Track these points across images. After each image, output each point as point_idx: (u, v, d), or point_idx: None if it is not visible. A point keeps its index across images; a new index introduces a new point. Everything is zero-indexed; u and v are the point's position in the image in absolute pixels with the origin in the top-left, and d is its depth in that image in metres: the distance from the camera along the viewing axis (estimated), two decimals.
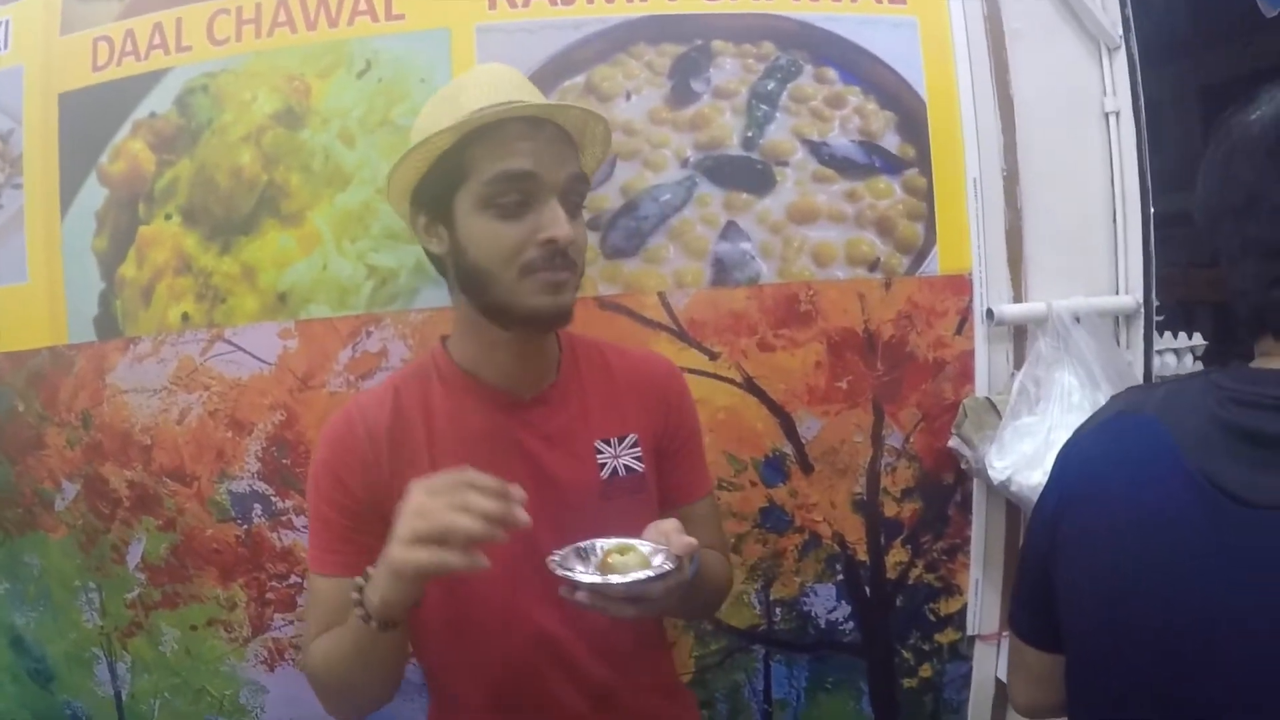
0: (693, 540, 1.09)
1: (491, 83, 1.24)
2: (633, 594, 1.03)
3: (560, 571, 1.06)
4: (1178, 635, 0.83)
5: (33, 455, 1.85)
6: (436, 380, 1.30)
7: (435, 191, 1.23)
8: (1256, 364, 0.91)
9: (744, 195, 1.73)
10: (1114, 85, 1.82)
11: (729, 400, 1.72)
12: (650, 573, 1.03)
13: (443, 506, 0.98)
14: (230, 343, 1.75)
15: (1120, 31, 1.85)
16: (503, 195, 1.17)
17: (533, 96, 1.27)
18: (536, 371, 1.30)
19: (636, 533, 1.14)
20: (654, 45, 1.73)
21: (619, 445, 1.30)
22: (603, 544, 1.12)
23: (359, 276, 1.72)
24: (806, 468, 1.75)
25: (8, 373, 1.86)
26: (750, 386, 1.73)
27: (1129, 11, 1.83)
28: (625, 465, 1.29)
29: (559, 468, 1.26)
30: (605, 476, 1.28)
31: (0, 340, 1.87)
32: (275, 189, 1.74)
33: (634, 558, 1.07)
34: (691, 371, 1.70)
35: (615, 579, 1.03)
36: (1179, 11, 1.96)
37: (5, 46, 1.90)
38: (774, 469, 1.74)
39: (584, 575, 1.05)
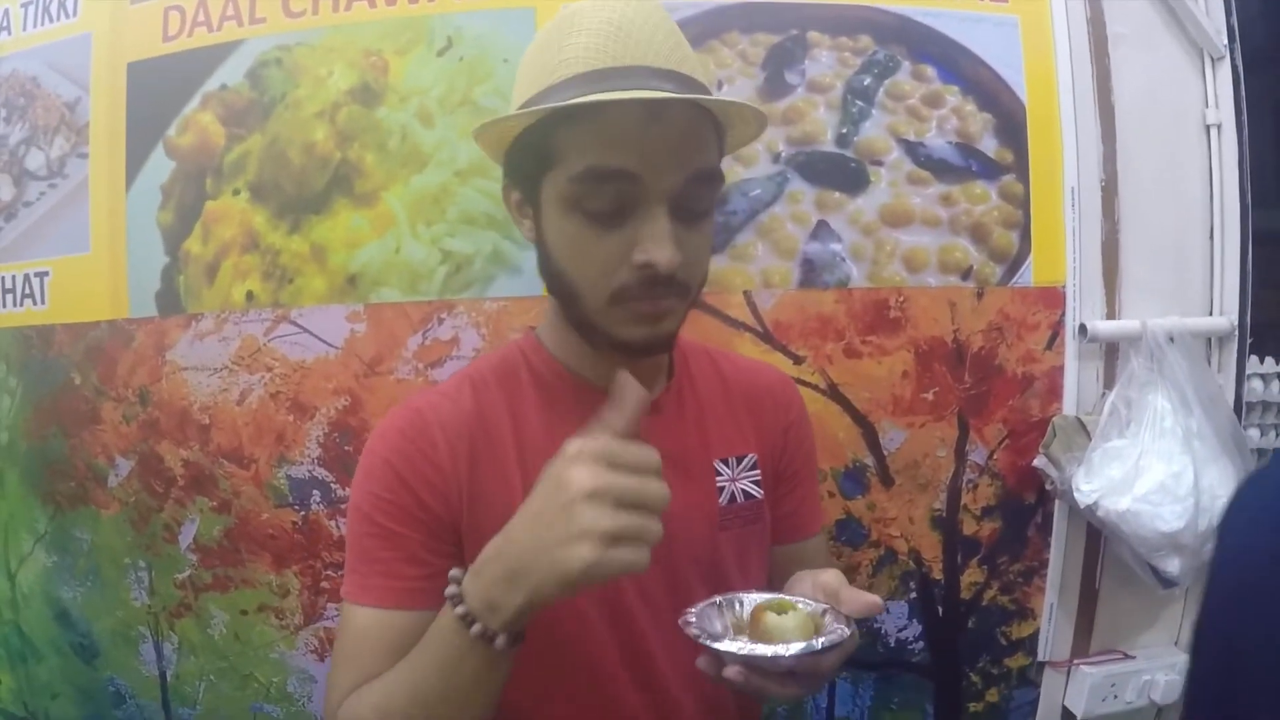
0: (875, 599, 0.86)
1: (619, 26, 0.91)
2: (802, 668, 0.81)
3: (707, 641, 0.82)
4: None
5: (88, 429, 1.81)
6: (528, 378, 1.07)
7: (524, 168, 0.98)
8: None
9: (836, 194, 1.66)
10: (1216, 96, 1.75)
11: (811, 407, 1.63)
12: (824, 641, 0.81)
13: (639, 489, 0.76)
14: (296, 324, 1.70)
15: (1224, 41, 1.77)
16: (591, 198, 0.90)
17: (668, 56, 0.93)
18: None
19: (749, 569, 1.04)
20: (748, 34, 1.67)
21: (737, 467, 1.10)
22: (748, 599, 0.91)
23: (433, 261, 1.67)
24: (887, 480, 1.69)
25: (66, 344, 1.82)
26: (834, 394, 1.67)
27: (1234, 20, 1.76)
28: (744, 490, 1.09)
29: (671, 489, 0.98)
30: (724, 502, 1.08)
31: (59, 311, 1.83)
32: (349, 167, 1.69)
33: (794, 619, 0.84)
34: None
35: (783, 649, 0.80)
36: (1271, 18, 1.89)
37: (74, 13, 1.85)
38: (853, 480, 1.68)
39: (736, 645, 0.82)
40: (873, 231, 1.67)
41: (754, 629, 0.85)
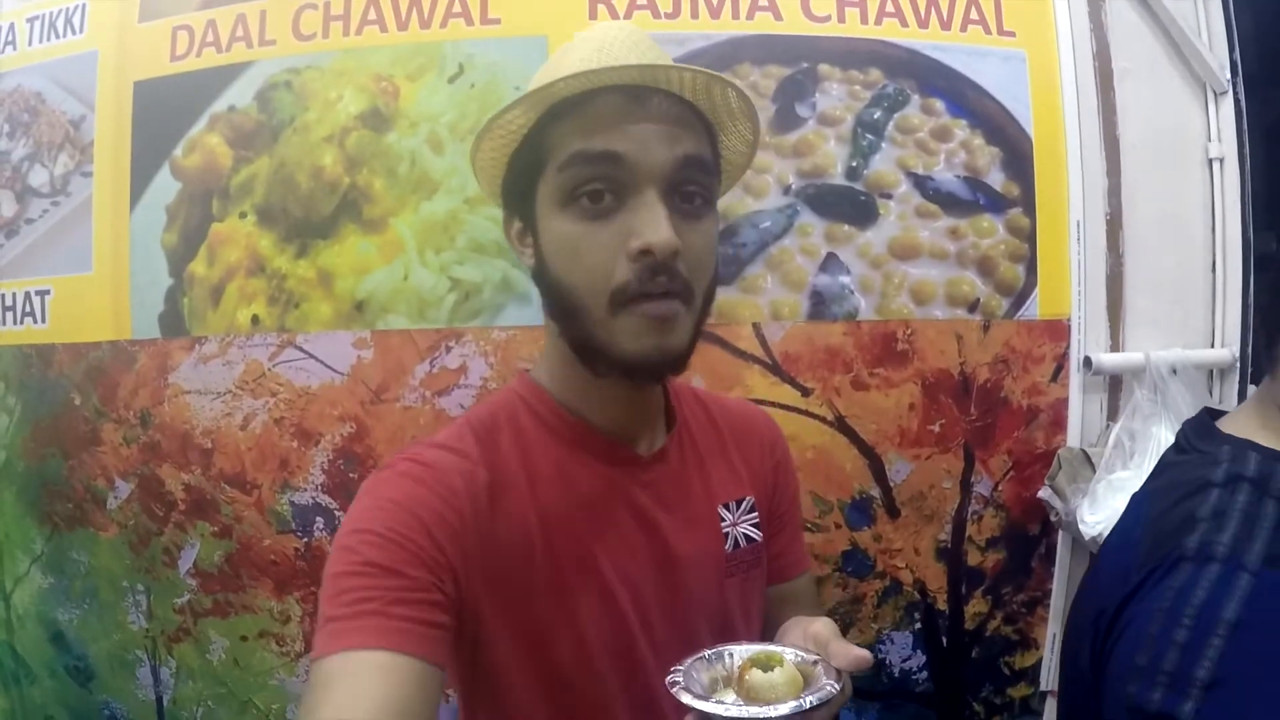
0: (865, 654, 0.81)
1: (600, 43, 0.92)
2: None
3: (691, 701, 0.77)
4: None
5: (87, 451, 1.80)
6: (532, 425, 0.99)
7: (519, 184, 0.94)
8: None
9: (846, 227, 1.67)
10: (1219, 130, 1.76)
11: (819, 439, 1.66)
12: (813, 699, 0.77)
13: None
14: (301, 349, 1.69)
15: (1227, 75, 1.79)
16: (581, 184, 0.86)
17: (654, 60, 0.92)
18: (650, 420, 1.02)
19: (752, 614, 1.02)
20: (759, 66, 1.68)
21: (738, 511, 1.06)
22: (737, 651, 0.85)
23: (441, 289, 1.66)
24: (893, 512, 1.70)
25: (66, 364, 1.81)
26: (841, 425, 1.67)
27: (1237, 55, 1.78)
28: (745, 534, 1.06)
29: (680, 539, 0.99)
30: (729, 549, 1.04)
31: (60, 330, 1.82)
32: (357, 192, 1.69)
33: (783, 675, 0.80)
34: (782, 407, 1.65)
35: (771, 711, 0.75)
36: (1263, 43, 1.93)
37: (81, 30, 1.85)
38: (860, 511, 1.69)
39: (723, 706, 0.77)
40: (881, 264, 1.68)
41: (742, 686, 0.80)
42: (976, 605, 1.74)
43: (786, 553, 1.14)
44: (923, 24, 1.71)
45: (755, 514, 1.07)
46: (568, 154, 0.87)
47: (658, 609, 0.96)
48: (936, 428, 1.70)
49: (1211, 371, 1.79)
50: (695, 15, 1.68)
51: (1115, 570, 0.85)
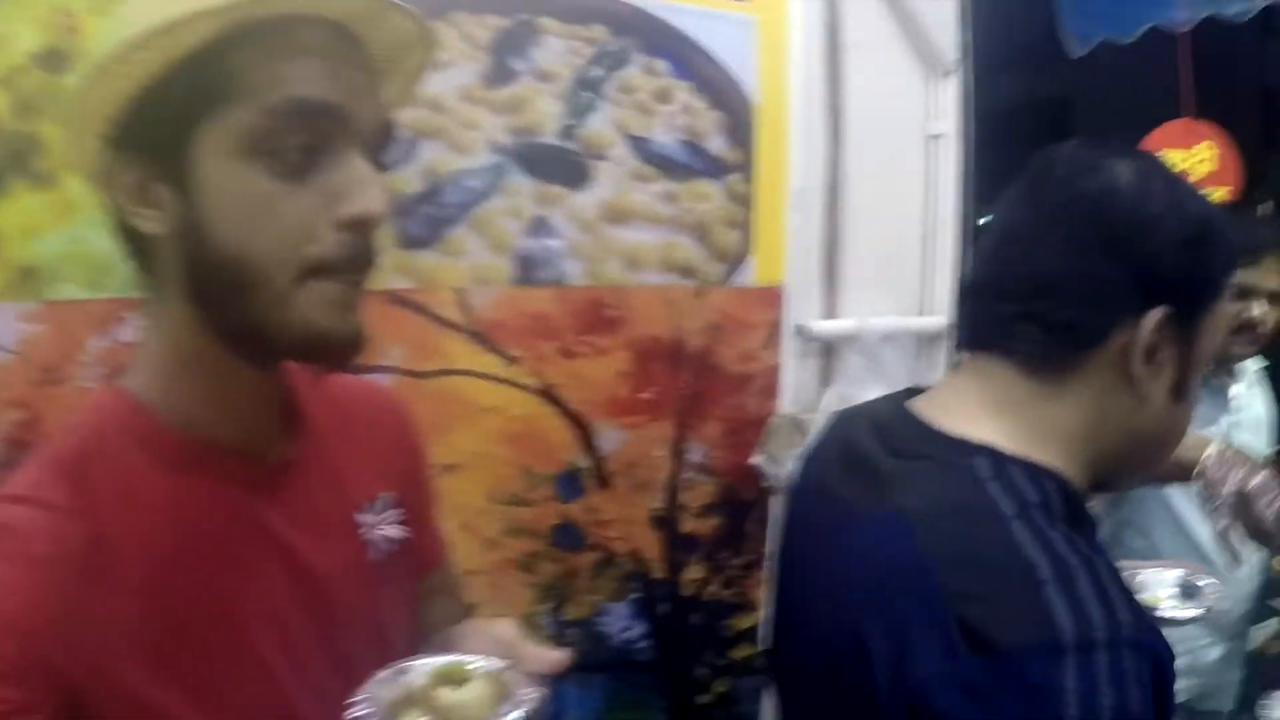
0: (560, 655, 0.77)
1: None
2: None
3: None
4: None
5: None
6: (133, 451, 0.78)
7: (161, 126, 0.73)
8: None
9: (557, 188, 1.62)
10: (941, 108, 1.79)
11: (525, 410, 1.61)
12: (515, 714, 0.70)
13: None
14: None
15: (955, 55, 1.82)
16: (286, 137, 0.71)
17: None
18: (278, 420, 0.85)
19: (412, 619, 0.94)
20: (475, 14, 1.59)
21: (380, 510, 0.93)
22: (419, 666, 0.76)
23: (119, 253, 1.53)
24: (604, 483, 1.67)
25: None
26: (549, 396, 1.63)
27: (969, 36, 1.81)
28: (389, 535, 0.93)
29: (321, 557, 0.85)
30: (375, 555, 0.91)
31: None
32: (28, 143, 1.53)
33: (474, 690, 0.72)
34: (486, 377, 1.59)
35: None
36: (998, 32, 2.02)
37: None
38: (570, 484, 1.65)
39: None
40: (593, 228, 1.64)
41: (431, 706, 0.72)
42: (693, 571, 1.75)
43: (428, 541, 1.03)
44: None
45: (397, 510, 0.95)
46: (277, 97, 0.70)
47: (312, 646, 0.82)
48: (648, 395, 1.68)
49: (921, 338, 1.83)
50: None
51: (894, 605, 0.75)
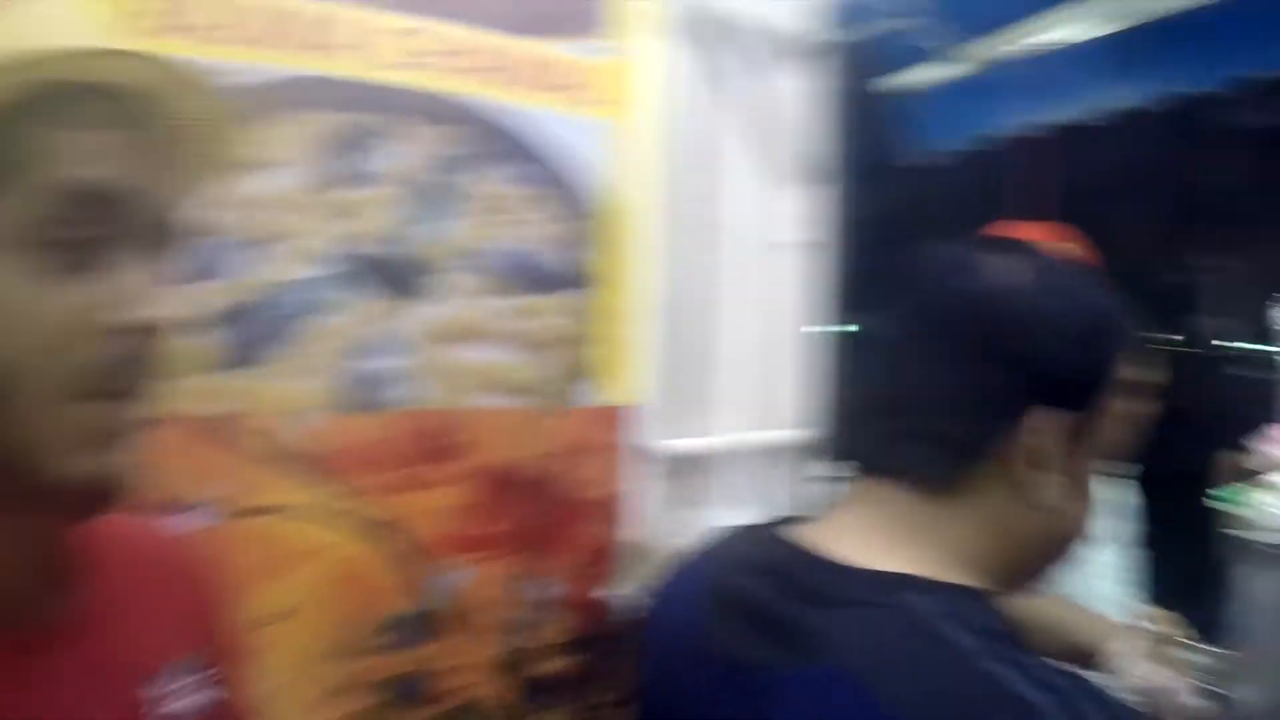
0: None
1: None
2: None
3: None
4: None
5: None
6: None
7: None
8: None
9: (392, 302, 1.48)
10: (792, 215, 1.78)
11: (357, 549, 1.44)
12: None
13: None
14: None
15: (814, 165, 1.83)
16: (55, 228, 0.58)
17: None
18: (46, 574, 0.68)
19: None
20: (308, 110, 1.44)
21: (177, 676, 0.76)
22: None
23: None
24: (449, 626, 1.50)
25: None
26: (382, 533, 1.46)
27: (828, 148, 1.82)
28: (202, 700, 0.77)
29: None
30: None
31: None
32: None
33: None
34: (313, 514, 1.40)
35: None
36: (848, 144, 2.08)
37: None
38: (411, 629, 1.47)
39: None
40: (431, 346, 1.51)
41: None
42: (551, 718, 1.59)
43: (238, 708, 0.85)
44: (506, 82, 1.57)
45: (199, 675, 0.78)
46: (47, 181, 0.58)
47: None
48: (494, 529, 1.54)
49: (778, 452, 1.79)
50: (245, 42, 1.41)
51: None
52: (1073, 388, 0.74)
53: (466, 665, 1.52)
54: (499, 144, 1.57)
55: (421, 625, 1.48)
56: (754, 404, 1.75)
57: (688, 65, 1.72)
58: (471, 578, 1.52)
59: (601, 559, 1.61)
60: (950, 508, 0.74)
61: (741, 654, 0.74)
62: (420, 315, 1.50)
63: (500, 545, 1.54)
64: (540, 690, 1.58)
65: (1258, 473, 1.65)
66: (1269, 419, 1.80)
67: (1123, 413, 0.77)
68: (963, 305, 0.74)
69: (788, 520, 0.83)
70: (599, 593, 1.60)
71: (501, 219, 1.56)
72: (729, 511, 1.57)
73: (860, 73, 2.07)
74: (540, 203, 1.59)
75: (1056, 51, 2.35)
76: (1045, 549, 0.78)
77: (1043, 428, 0.71)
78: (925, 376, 0.74)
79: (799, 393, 1.75)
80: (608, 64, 1.64)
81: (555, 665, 1.59)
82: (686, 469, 1.67)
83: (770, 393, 1.75)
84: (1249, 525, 1.50)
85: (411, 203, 1.50)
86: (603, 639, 1.63)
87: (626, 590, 1.55)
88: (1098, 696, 0.64)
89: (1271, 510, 1.48)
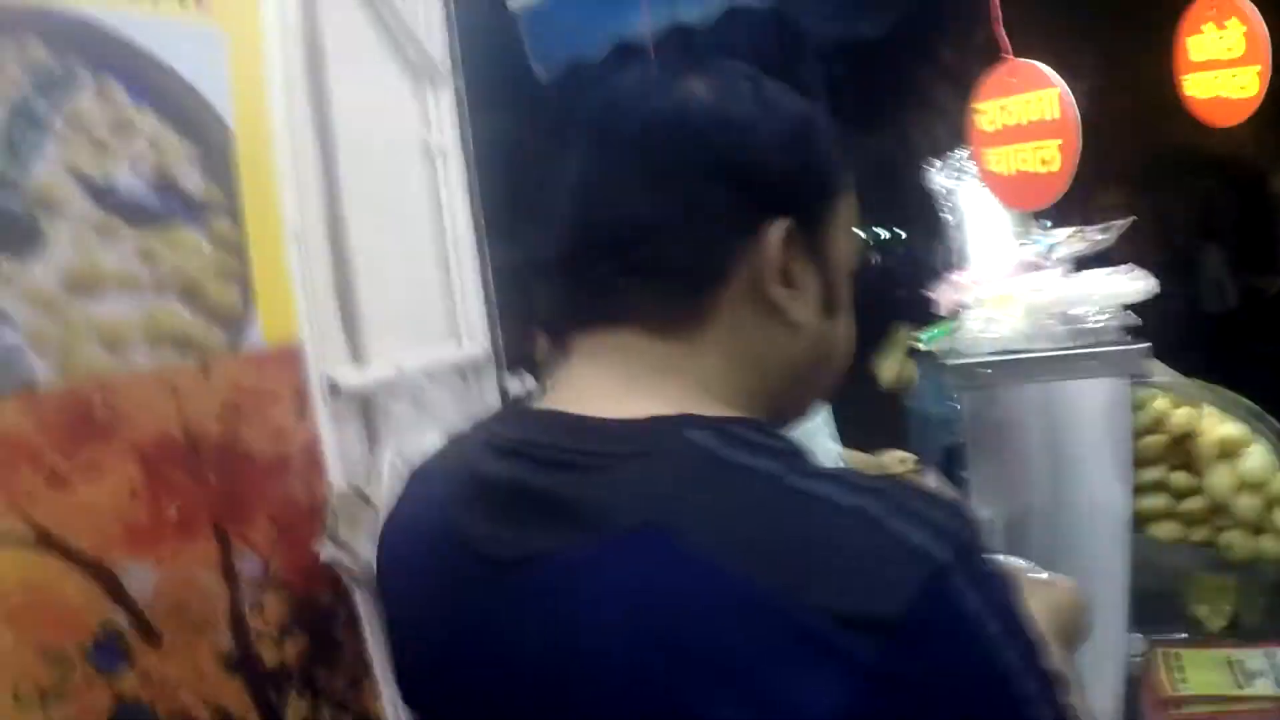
0: None
1: None
2: None
3: None
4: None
5: None
6: None
7: None
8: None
9: (2, 260, 1.15)
10: (440, 121, 1.64)
11: (22, 572, 1.12)
12: None
13: None
14: None
15: (447, 65, 1.68)
16: None
17: None
18: None
19: None
20: None
21: None
22: None
23: None
24: (152, 637, 1.24)
25: None
26: (48, 544, 1.16)
27: (456, 47, 1.68)
28: None
29: None
30: None
31: None
32: None
33: None
34: None
35: None
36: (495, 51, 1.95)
37: None
38: (109, 652, 1.20)
39: None
40: (56, 306, 1.20)
41: None
42: (296, 708, 1.40)
43: None
44: None
45: None
46: None
47: None
48: (173, 512, 1.29)
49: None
50: None
51: (717, 650, 0.55)
52: (797, 192, 0.70)
53: (186, 676, 1.27)
54: (104, 57, 1.25)
55: (123, 644, 1.22)
56: (429, 321, 1.63)
57: None
58: (165, 575, 1.27)
59: (308, 518, 1.43)
60: (696, 343, 0.68)
61: (510, 550, 0.64)
62: (36, 270, 1.18)
63: (188, 530, 1.30)
64: (274, 684, 1.38)
65: (945, 319, 1.85)
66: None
67: (851, 221, 0.78)
68: (670, 124, 0.69)
69: (510, 407, 0.78)
70: (314, 555, 1.42)
71: (116, 144, 1.27)
72: (434, 435, 1.46)
73: None
74: (159, 122, 1.31)
75: None
76: (808, 374, 0.75)
77: (778, 240, 0.67)
78: (639, 207, 0.68)
79: (476, 304, 1.65)
80: None
81: (285, 652, 1.39)
82: (374, 402, 1.52)
83: (446, 307, 1.63)
84: (957, 354, 1.69)
85: (7, 134, 1.15)
86: (330, 609, 1.46)
87: (344, 546, 1.39)
88: (920, 492, 0.60)
89: (973, 337, 1.68)
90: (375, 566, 0.83)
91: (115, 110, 1.27)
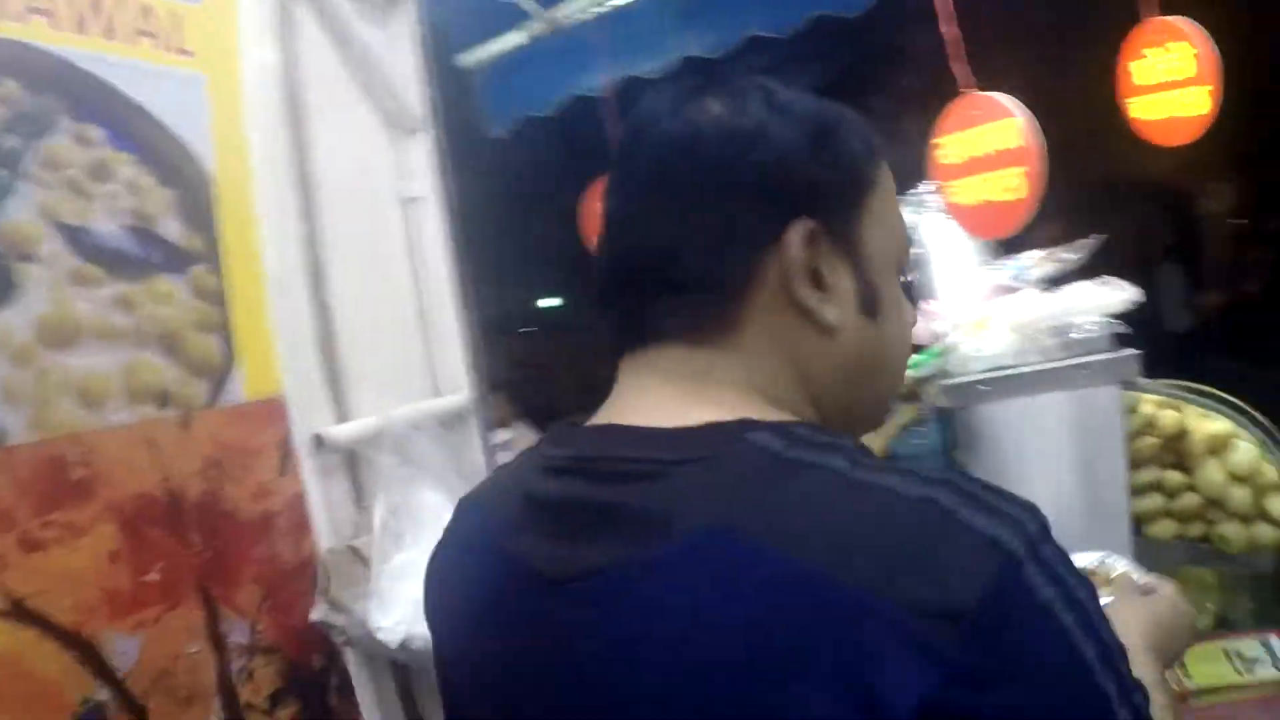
0: None
1: None
2: None
3: None
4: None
5: None
6: None
7: None
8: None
9: None
10: (413, 170, 1.60)
11: None
12: None
13: None
14: None
15: (421, 113, 1.65)
16: None
17: None
18: None
19: None
20: None
21: None
22: None
23: None
24: (136, 710, 1.16)
25: None
26: (21, 614, 1.08)
27: (434, 94, 1.65)
28: None
29: None
30: None
31: None
32: None
33: None
34: None
35: None
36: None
37: None
38: None
39: None
40: (30, 358, 1.14)
41: None
42: None
43: None
44: (80, 28, 1.22)
45: None
46: None
47: None
48: (156, 576, 1.21)
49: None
50: None
51: (802, 648, 0.53)
52: (818, 192, 0.68)
53: None
54: (82, 99, 1.21)
55: (109, 717, 1.13)
56: (411, 371, 1.57)
57: (281, 15, 1.46)
58: (148, 643, 1.18)
59: (295, 577, 1.35)
60: (735, 352, 0.67)
61: (571, 566, 0.62)
62: (9, 318, 1.12)
63: (171, 595, 1.22)
64: None
65: (923, 348, 1.84)
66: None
67: (890, 216, 0.75)
68: (678, 143, 0.68)
69: (560, 428, 0.73)
70: (303, 617, 1.34)
71: (93, 189, 1.21)
72: (427, 491, 1.40)
73: (444, 45, 1.97)
74: (137, 167, 1.26)
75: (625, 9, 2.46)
76: (860, 379, 0.72)
77: (798, 241, 0.66)
78: (662, 227, 0.68)
79: (460, 353, 1.59)
80: (200, 10, 1.35)
81: (277, 718, 1.31)
82: (359, 455, 1.46)
83: (427, 358, 1.58)
84: (949, 375, 1.70)
85: None
86: (322, 673, 1.38)
87: (339, 608, 1.32)
88: (985, 483, 0.59)
89: (963, 357, 1.69)
90: (424, 602, 0.81)
91: (93, 153, 1.22)
